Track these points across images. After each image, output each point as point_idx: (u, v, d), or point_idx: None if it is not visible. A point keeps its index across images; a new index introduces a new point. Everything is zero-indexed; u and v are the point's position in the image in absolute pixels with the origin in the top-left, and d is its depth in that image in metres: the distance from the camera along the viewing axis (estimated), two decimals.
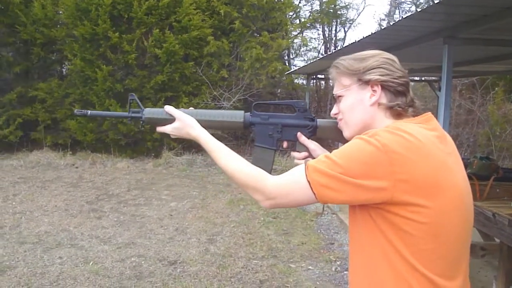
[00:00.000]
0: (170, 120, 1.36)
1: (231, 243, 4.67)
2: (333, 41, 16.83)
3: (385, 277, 1.04)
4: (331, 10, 15.28)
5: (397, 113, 1.13)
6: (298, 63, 15.62)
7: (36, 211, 5.70)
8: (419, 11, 3.78)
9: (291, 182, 1.08)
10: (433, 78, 9.13)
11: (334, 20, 16.15)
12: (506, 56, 5.35)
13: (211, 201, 6.56)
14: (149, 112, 1.41)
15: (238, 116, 1.41)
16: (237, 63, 10.61)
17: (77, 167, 8.96)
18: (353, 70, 1.16)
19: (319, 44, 17.20)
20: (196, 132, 1.31)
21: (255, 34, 11.07)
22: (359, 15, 32.66)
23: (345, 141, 1.17)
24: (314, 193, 1.03)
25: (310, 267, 4.10)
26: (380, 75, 1.12)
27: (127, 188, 7.26)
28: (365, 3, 29.99)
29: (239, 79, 10.41)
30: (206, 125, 1.35)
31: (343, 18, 16.42)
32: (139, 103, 1.43)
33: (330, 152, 1.07)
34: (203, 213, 5.87)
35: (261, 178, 1.13)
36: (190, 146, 9.77)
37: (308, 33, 16.51)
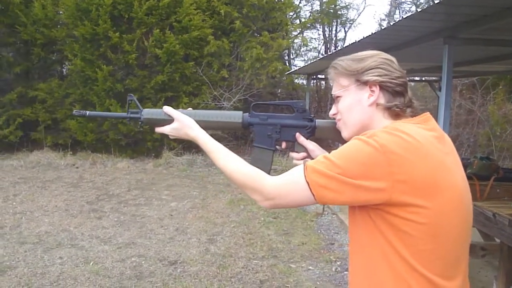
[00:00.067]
0: (169, 120, 1.37)
1: (232, 243, 4.67)
2: (333, 41, 16.84)
3: (384, 277, 1.04)
4: (331, 10, 15.28)
5: (395, 113, 1.13)
6: (298, 63, 15.63)
7: (36, 211, 5.71)
8: (419, 11, 3.78)
9: (290, 182, 1.08)
10: (434, 78, 9.13)
11: (335, 20, 16.15)
12: (506, 56, 5.34)
13: (212, 201, 6.56)
14: (148, 112, 1.41)
15: (236, 116, 1.41)
16: (238, 63, 10.62)
17: (77, 167, 8.97)
18: (351, 71, 1.16)
19: (319, 44, 17.22)
20: (194, 133, 1.32)
21: (255, 34, 11.07)
22: (359, 15, 32.59)
23: (344, 141, 1.17)
24: (313, 194, 1.03)
25: (310, 267, 4.10)
26: (378, 76, 1.12)
27: (128, 188, 7.27)
28: (365, 3, 30.07)
29: (239, 79, 10.41)
30: (205, 125, 1.35)
31: (344, 18, 16.43)
32: (138, 103, 1.43)
33: (330, 152, 1.07)
34: (204, 213, 5.87)
35: (259, 179, 1.13)
36: (190, 146, 9.77)
37: (308, 33, 16.54)
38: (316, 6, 16.70)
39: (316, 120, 1.41)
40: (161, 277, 3.76)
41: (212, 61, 10.25)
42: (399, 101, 1.12)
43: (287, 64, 13.88)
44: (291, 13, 13.95)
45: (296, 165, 1.16)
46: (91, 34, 9.29)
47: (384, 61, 1.14)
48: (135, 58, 9.43)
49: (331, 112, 1.26)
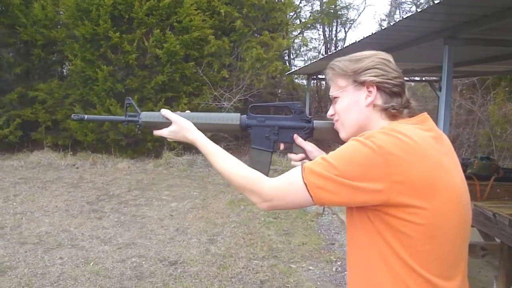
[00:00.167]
0: (167, 123, 1.37)
1: (232, 244, 4.67)
2: (333, 41, 16.84)
3: (382, 278, 1.04)
4: (332, 10, 15.28)
5: (392, 114, 1.13)
6: (298, 63, 15.64)
7: (36, 212, 5.71)
8: (420, 11, 3.78)
9: (288, 184, 1.08)
10: (434, 78, 9.14)
11: (335, 20, 16.15)
12: (507, 56, 5.35)
13: (212, 201, 6.56)
14: (146, 116, 1.41)
15: (234, 118, 1.41)
16: (238, 63, 10.62)
17: (77, 168, 8.98)
18: (348, 72, 1.16)
19: (319, 44, 17.22)
20: (192, 136, 1.32)
21: (256, 35, 11.08)
22: (359, 15, 32.63)
23: (342, 142, 1.17)
24: (311, 195, 1.03)
25: (310, 268, 4.10)
26: (375, 76, 1.12)
27: (128, 188, 7.27)
28: (365, 3, 30.06)
29: (239, 79, 10.41)
30: (203, 128, 1.35)
31: (344, 18, 16.44)
32: (136, 107, 1.43)
33: (328, 153, 1.07)
34: (204, 213, 5.87)
35: (258, 181, 1.13)
36: (191, 146, 9.60)
37: (308, 33, 16.56)
38: (317, 6, 16.72)
39: (314, 121, 1.41)
40: (162, 278, 3.76)
41: (213, 61, 10.25)
42: (396, 102, 1.12)
43: (287, 64, 13.88)
44: (291, 13, 13.96)
45: (294, 166, 1.16)
46: (92, 34, 9.29)
47: (381, 61, 1.14)
48: (135, 58, 9.44)
49: (329, 113, 1.26)
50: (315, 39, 19.66)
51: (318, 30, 16.58)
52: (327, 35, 16.81)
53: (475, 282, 3.73)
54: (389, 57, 1.16)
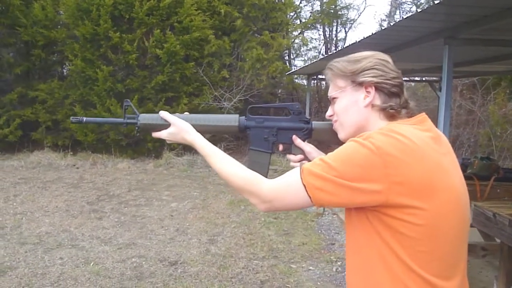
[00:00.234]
0: (166, 125, 1.37)
1: (232, 244, 4.67)
2: (333, 42, 16.85)
3: (381, 278, 1.04)
4: (332, 11, 15.28)
5: (391, 114, 1.13)
6: (298, 63, 15.64)
7: (37, 212, 5.71)
8: (420, 12, 3.78)
9: (287, 185, 1.08)
10: (434, 78, 9.13)
11: (335, 21, 16.15)
12: (507, 56, 5.35)
13: (212, 201, 6.56)
14: (144, 118, 1.41)
15: (233, 120, 1.41)
16: (238, 63, 10.62)
17: (77, 168, 8.98)
18: (347, 72, 1.16)
19: (319, 44, 17.22)
20: (191, 137, 1.32)
21: (256, 35, 11.08)
22: (359, 15, 32.68)
23: (341, 143, 1.17)
24: (310, 196, 1.03)
25: (311, 268, 4.10)
26: (373, 77, 1.12)
27: (128, 188, 7.27)
28: (365, 3, 30.00)
29: (240, 79, 10.42)
30: (201, 129, 1.35)
31: (344, 19, 16.45)
32: (135, 109, 1.43)
33: (327, 154, 1.07)
34: (204, 213, 5.87)
35: (256, 182, 1.13)
36: (190, 147, 9.75)
37: (308, 33, 16.55)
38: (317, 6, 16.73)
39: (313, 122, 1.41)
40: (162, 278, 3.77)
41: (213, 61, 10.26)
42: (394, 102, 1.12)
43: (287, 64, 13.89)
44: (291, 13, 13.96)
45: (293, 167, 1.16)
46: (92, 34, 9.30)
47: (379, 61, 1.14)
48: (136, 58, 9.44)
49: (328, 113, 1.26)
50: (315, 39, 19.69)
51: (318, 30, 16.61)
52: (327, 35, 16.83)
53: (475, 282, 3.73)
54: (387, 57, 1.16)
